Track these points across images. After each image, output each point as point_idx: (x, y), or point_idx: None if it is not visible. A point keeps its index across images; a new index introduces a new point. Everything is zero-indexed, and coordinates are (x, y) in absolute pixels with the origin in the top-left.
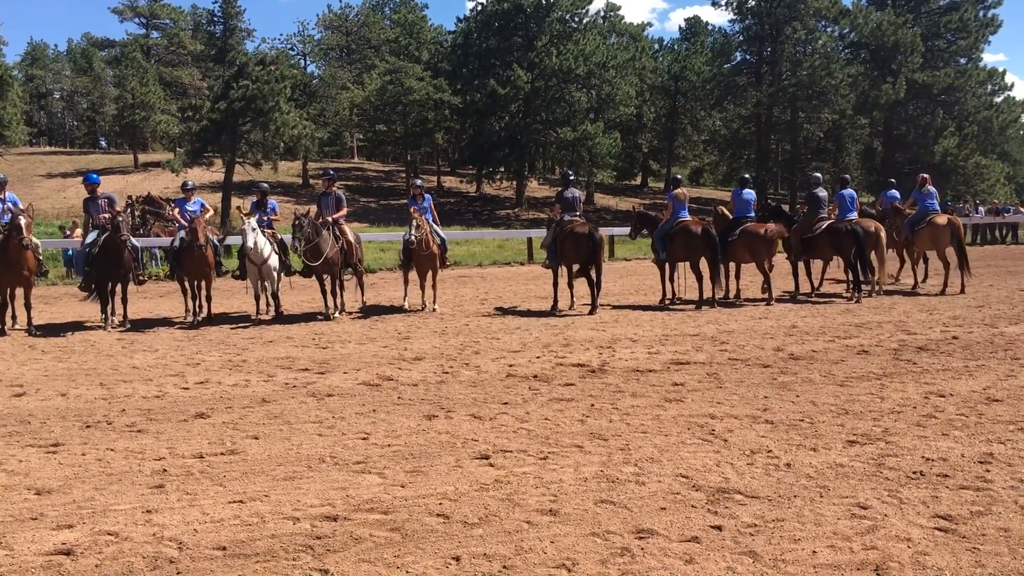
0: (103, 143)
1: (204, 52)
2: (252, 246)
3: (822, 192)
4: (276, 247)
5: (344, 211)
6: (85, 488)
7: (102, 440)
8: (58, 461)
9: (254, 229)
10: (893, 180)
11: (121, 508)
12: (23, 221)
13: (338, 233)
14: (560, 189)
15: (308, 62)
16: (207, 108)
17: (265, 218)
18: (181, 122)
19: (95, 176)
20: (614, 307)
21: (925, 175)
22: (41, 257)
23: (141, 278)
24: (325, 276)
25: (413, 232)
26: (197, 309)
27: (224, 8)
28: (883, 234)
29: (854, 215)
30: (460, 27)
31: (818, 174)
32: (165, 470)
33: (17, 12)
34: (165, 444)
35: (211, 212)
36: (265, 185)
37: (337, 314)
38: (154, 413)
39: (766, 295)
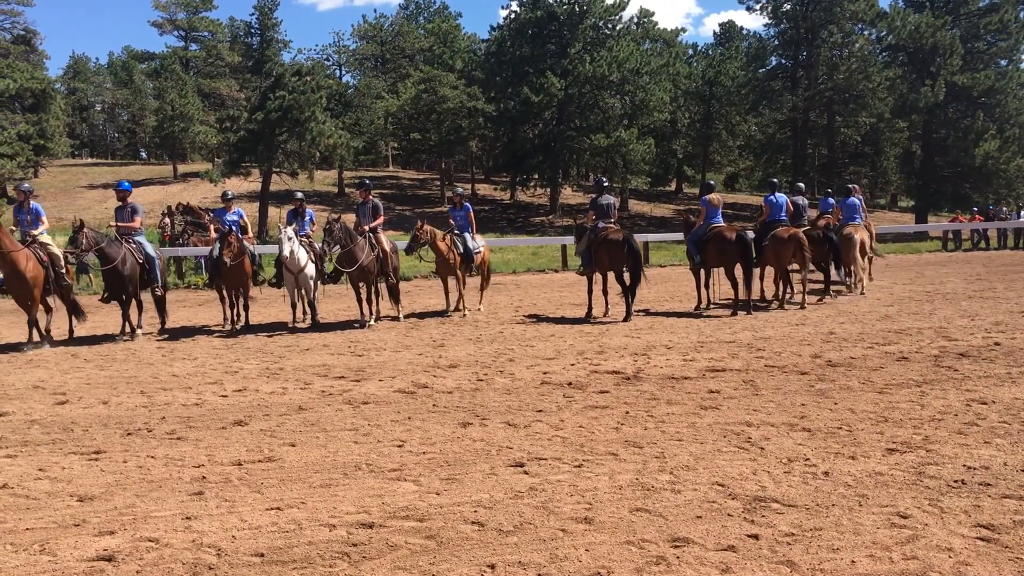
0: (143, 154)
1: (241, 64)
2: (288, 255)
3: (802, 200)
4: (313, 256)
5: (381, 219)
6: (126, 495)
7: (143, 447)
8: (100, 468)
9: (291, 238)
10: (824, 189)
11: (161, 515)
12: None
13: (374, 241)
14: (594, 196)
15: (343, 72)
16: (244, 119)
17: (304, 221)
18: (219, 133)
19: (127, 184)
20: (649, 314)
21: (854, 186)
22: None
23: (158, 292)
24: (360, 284)
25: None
26: (235, 317)
27: (261, 20)
28: (856, 239)
29: (860, 221)
30: (493, 35)
31: (801, 184)
32: (204, 477)
33: (60, 27)
34: (204, 451)
35: (248, 225)
36: (301, 194)
37: (372, 322)
38: (193, 421)
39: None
